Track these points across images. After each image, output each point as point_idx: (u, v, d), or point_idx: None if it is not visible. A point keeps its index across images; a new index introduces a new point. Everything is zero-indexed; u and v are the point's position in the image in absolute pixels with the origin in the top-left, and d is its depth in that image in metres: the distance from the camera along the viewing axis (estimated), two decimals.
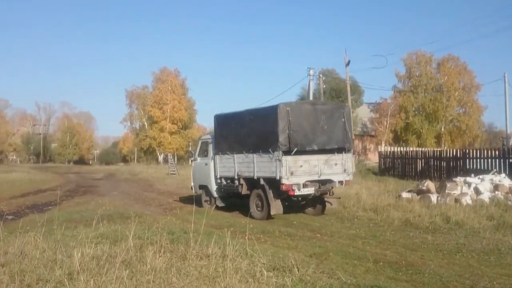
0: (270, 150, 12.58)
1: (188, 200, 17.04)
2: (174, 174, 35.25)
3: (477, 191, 14.45)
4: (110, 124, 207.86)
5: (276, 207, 12.70)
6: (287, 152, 12.30)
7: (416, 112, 52.11)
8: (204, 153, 16.15)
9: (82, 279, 5.16)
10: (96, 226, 8.07)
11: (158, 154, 65.01)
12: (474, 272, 6.98)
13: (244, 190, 13.79)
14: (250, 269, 5.91)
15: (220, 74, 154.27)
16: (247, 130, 13.81)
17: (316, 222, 12.15)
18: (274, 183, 12.65)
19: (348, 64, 37.02)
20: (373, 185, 19.48)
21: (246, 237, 7.07)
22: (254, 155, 13.24)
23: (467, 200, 13.61)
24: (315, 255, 7.87)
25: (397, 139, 51.97)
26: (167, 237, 7.51)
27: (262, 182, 13.07)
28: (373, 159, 48.24)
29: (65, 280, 5.20)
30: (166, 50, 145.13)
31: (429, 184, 15.09)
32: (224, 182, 14.76)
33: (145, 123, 68.50)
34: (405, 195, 15.03)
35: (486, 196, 13.93)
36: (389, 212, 12.50)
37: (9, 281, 5.24)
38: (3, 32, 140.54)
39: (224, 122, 15.20)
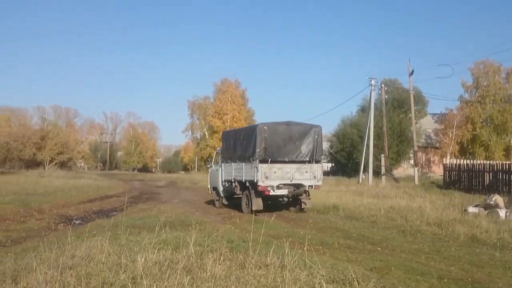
0: (251, 159, 15.99)
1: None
2: None
3: None
4: (173, 134, 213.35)
5: (257, 204, 15.97)
6: (263, 161, 15.64)
7: (483, 124, 49.93)
8: (217, 161, 19.80)
9: (145, 283, 5.28)
10: (159, 233, 8.27)
11: None
12: None
13: (238, 191, 17.17)
14: (309, 281, 5.83)
15: (281, 84, 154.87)
16: (239, 144, 17.34)
17: (376, 235, 11.86)
18: (254, 185, 15.87)
19: (411, 73, 36.16)
20: (437, 199, 18.79)
21: (305, 248, 7.00)
22: (243, 163, 16.70)
23: None
24: (375, 269, 7.67)
25: (463, 151, 50.05)
26: (227, 245, 7.57)
27: (247, 184, 16.44)
28: (437, 171, 46.66)
29: (129, 284, 5.33)
30: (227, 61, 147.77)
31: (497, 199, 14.44)
32: (227, 185, 18.29)
33: (206, 132, 69.83)
34: (471, 209, 14.43)
35: None
36: (454, 227, 12.00)
37: (76, 284, 5.38)
38: (73, 46, 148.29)
39: (227, 137, 19.26)
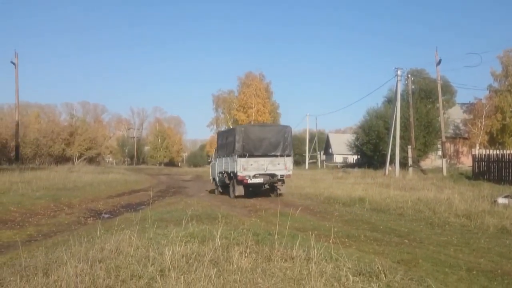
0: (232, 154, 19.49)
1: (272, 202, 17.24)
2: None
3: None
4: (198, 128, 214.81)
5: (239, 190, 19.38)
6: (242, 156, 19.02)
7: None
8: (216, 156, 23.15)
9: (172, 276, 5.35)
10: (186, 226, 8.35)
11: None
12: None
13: (227, 180, 20.71)
14: (335, 273, 5.82)
15: (306, 76, 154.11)
16: (226, 142, 21.03)
17: (403, 227, 11.75)
18: (235, 175, 19.18)
19: (439, 63, 35.54)
20: (466, 190, 18.48)
21: (331, 241, 6.97)
22: (228, 158, 20.22)
23: None
24: (403, 262, 7.60)
25: (492, 141, 49.01)
26: (253, 238, 7.59)
27: (232, 175, 19.80)
28: (466, 162, 45.86)
29: (157, 276, 5.39)
30: (252, 55, 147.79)
31: None
32: (220, 176, 21.77)
33: (231, 126, 70.04)
34: (501, 200, 14.17)
35: None
36: (484, 219, 11.81)
37: (105, 276, 5.47)
38: (100, 43, 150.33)
39: (219, 136, 23.57)
